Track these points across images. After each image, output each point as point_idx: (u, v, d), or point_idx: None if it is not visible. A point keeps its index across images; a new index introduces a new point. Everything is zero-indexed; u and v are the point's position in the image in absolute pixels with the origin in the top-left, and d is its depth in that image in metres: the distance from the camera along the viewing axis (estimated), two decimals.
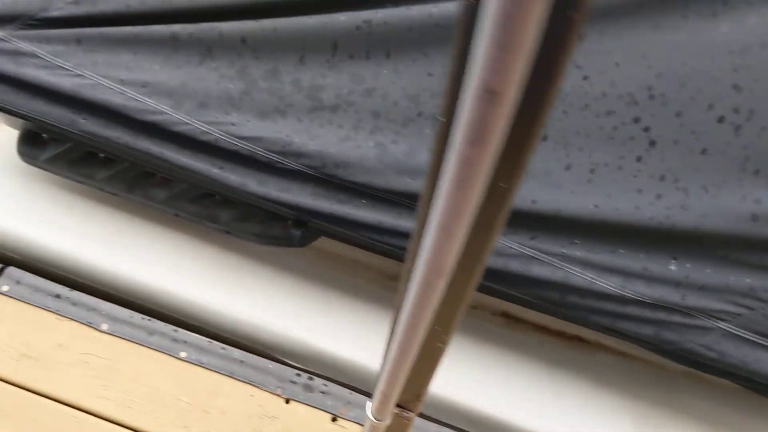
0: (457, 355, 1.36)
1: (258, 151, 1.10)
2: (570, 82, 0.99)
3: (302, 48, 1.09)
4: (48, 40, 1.16)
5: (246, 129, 1.10)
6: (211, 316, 1.32)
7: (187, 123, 1.11)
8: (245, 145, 1.10)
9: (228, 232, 1.30)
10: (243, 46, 1.11)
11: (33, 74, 1.14)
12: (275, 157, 1.10)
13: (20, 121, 1.30)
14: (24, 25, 1.17)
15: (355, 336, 1.32)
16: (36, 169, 1.37)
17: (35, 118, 1.18)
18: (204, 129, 1.10)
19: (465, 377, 1.34)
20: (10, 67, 1.15)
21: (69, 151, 1.31)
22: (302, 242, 1.26)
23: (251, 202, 1.20)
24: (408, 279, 0.44)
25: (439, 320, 0.48)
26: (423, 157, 1.06)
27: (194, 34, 1.12)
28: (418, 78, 1.06)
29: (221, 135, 1.10)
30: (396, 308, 0.51)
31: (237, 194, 1.17)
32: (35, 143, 1.32)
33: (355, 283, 1.39)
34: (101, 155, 1.30)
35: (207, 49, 1.12)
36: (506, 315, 1.43)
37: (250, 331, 1.32)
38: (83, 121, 1.15)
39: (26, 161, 1.34)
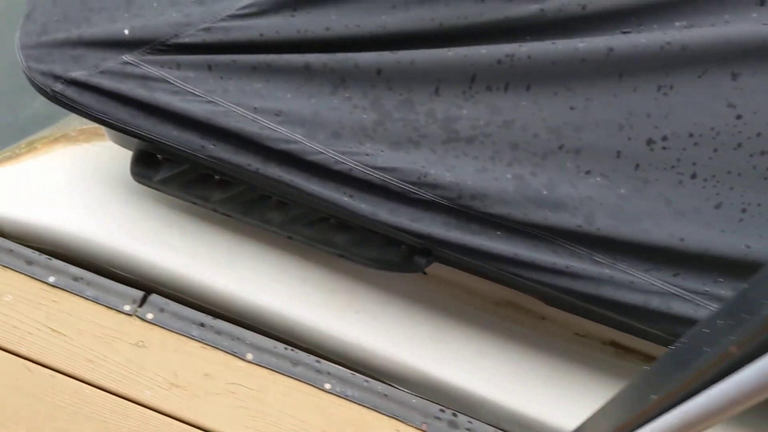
0: (566, 385, 1.36)
1: (392, 181, 1.10)
2: (722, 120, 0.98)
3: (438, 80, 1.09)
4: (178, 66, 1.16)
5: (380, 159, 1.10)
6: (323, 339, 1.33)
7: (322, 152, 1.11)
8: (379, 175, 1.10)
9: (343, 256, 1.30)
10: (377, 77, 1.11)
11: (164, 99, 1.15)
12: (409, 188, 1.09)
13: (133, 141, 1.31)
14: (153, 50, 1.18)
15: (469, 364, 1.31)
16: (147, 189, 1.39)
17: (161, 142, 1.19)
18: (338, 158, 1.11)
19: (575, 407, 1.33)
20: (140, 91, 1.16)
21: (184, 173, 1.32)
22: (418, 269, 1.26)
23: (377, 229, 1.20)
24: None
25: None
26: (564, 190, 1.05)
27: (328, 64, 1.12)
28: (559, 111, 1.05)
29: (355, 165, 1.10)
30: None
31: (365, 222, 1.17)
32: (149, 164, 1.33)
33: (463, 308, 1.39)
34: (216, 177, 1.31)
35: (340, 79, 1.12)
36: (615, 344, 1.41)
37: (362, 356, 1.32)
38: (212, 147, 1.16)
39: (139, 181, 1.35)
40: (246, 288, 1.35)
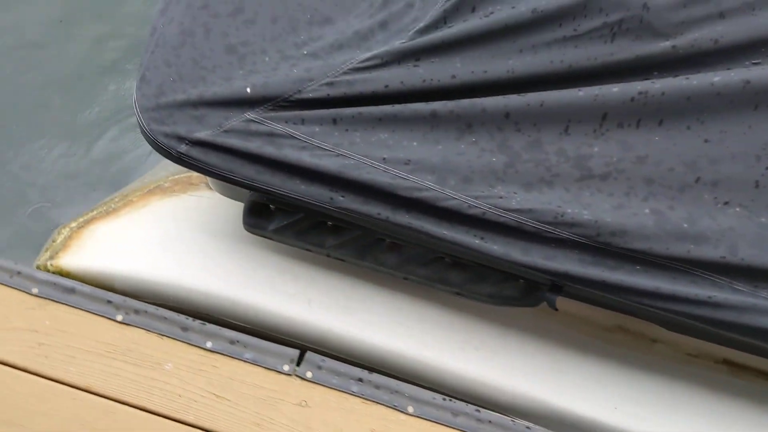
0: (685, 406, 1.36)
1: (527, 222, 1.11)
2: None
3: (567, 119, 1.11)
4: (303, 121, 1.18)
5: (514, 201, 1.11)
6: (445, 378, 1.34)
7: (454, 198, 1.13)
8: (514, 216, 1.11)
9: (459, 294, 1.31)
10: (505, 120, 1.12)
11: (293, 156, 1.17)
12: (545, 227, 1.11)
13: (242, 191, 1.33)
14: (276, 107, 1.20)
15: (591, 392, 1.32)
16: (253, 238, 1.40)
17: (288, 197, 1.21)
18: (471, 203, 1.12)
19: (698, 427, 1.34)
20: (267, 149, 1.18)
21: (298, 221, 1.33)
22: (536, 303, 1.28)
23: (505, 268, 1.21)
24: None
25: None
26: (705, 222, 1.06)
27: (455, 111, 1.14)
28: (693, 144, 1.06)
29: (489, 208, 1.12)
30: None
31: (495, 263, 1.18)
32: (262, 214, 1.35)
33: (576, 336, 1.40)
34: (329, 223, 1.33)
35: (467, 124, 1.14)
36: (728, 362, 1.42)
37: (486, 392, 1.33)
38: (341, 198, 1.18)
39: (253, 232, 1.37)
40: (364, 331, 1.37)
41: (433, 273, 1.31)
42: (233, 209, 1.50)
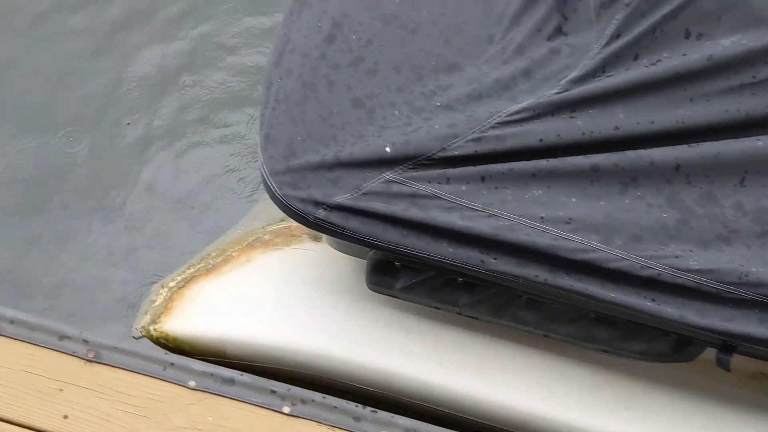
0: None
1: (707, 282, 1.03)
2: None
3: (744, 170, 1.03)
4: (448, 180, 1.11)
5: (692, 261, 1.03)
6: None
7: (624, 259, 1.05)
8: (692, 277, 1.03)
9: (606, 351, 1.23)
10: (675, 172, 1.05)
11: (442, 218, 1.09)
12: (726, 288, 1.03)
13: (364, 249, 1.25)
14: (417, 166, 1.12)
15: None
16: (368, 294, 1.32)
17: (432, 259, 1.13)
18: (644, 264, 1.04)
19: None
20: (413, 211, 1.10)
21: (429, 279, 1.25)
22: (690, 358, 1.20)
23: (672, 329, 1.13)
24: None
25: None
26: None
27: (619, 164, 1.06)
28: None
29: (664, 269, 1.04)
30: None
31: (663, 324, 1.10)
32: (388, 272, 1.27)
33: (722, 387, 1.32)
34: (460, 280, 1.25)
35: (631, 177, 1.06)
36: None
37: None
38: (493, 261, 1.10)
39: (377, 290, 1.29)
40: (503, 393, 1.29)
41: (577, 330, 1.23)
42: (347, 264, 1.42)
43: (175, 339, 1.44)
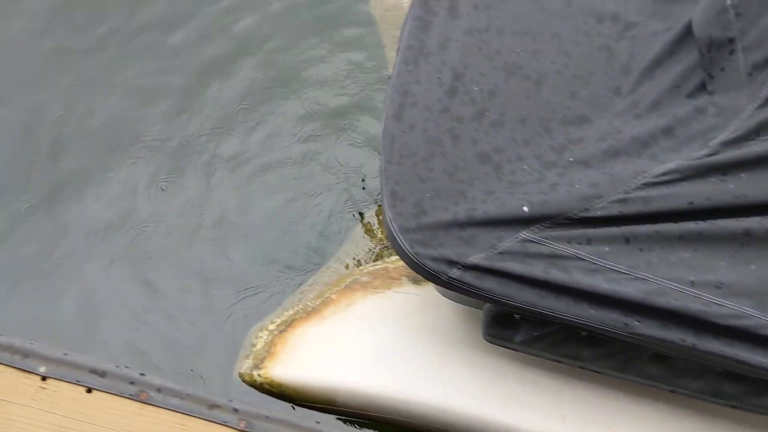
0: None
1: None
2: None
3: None
4: (589, 241, 1.08)
5: None
6: None
7: None
8: None
9: (734, 407, 1.20)
10: None
11: (585, 281, 1.06)
12: None
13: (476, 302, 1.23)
14: (555, 225, 1.09)
15: None
16: (480, 345, 1.30)
17: (573, 322, 1.11)
18: None
19: None
20: (553, 273, 1.08)
21: (551, 333, 1.23)
22: None
23: None
24: None
25: None
26: None
27: None
28: None
29: None
30: None
31: None
32: (507, 324, 1.24)
33: None
34: (583, 334, 1.22)
35: None
36: None
37: None
38: (637, 324, 1.07)
39: (495, 342, 1.26)
40: None
41: (705, 385, 1.20)
42: (456, 312, 1.40)
43: (280, 385, 1.42)
